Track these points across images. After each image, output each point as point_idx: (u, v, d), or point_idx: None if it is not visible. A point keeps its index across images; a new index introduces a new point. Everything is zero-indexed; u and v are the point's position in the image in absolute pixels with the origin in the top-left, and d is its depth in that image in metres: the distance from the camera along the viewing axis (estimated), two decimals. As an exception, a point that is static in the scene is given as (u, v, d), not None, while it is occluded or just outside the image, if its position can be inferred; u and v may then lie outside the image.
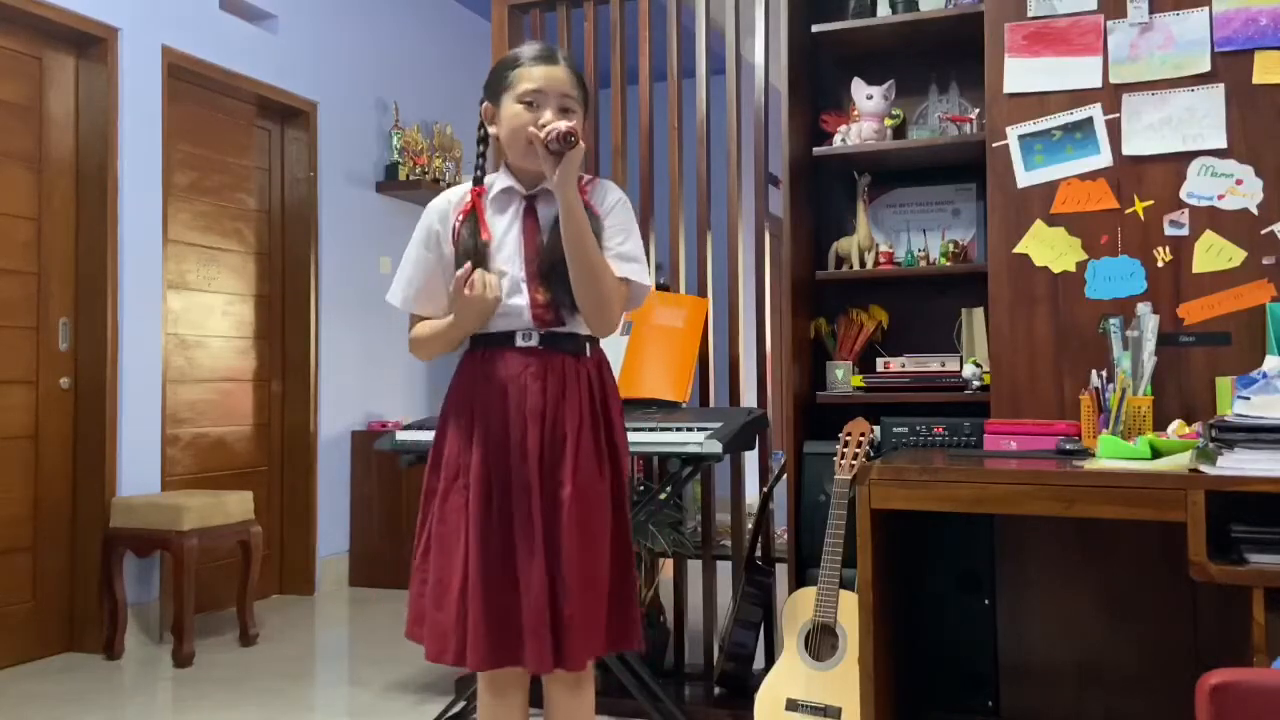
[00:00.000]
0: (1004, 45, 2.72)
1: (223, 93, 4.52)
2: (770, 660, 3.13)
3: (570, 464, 1.82)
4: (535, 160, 1.79)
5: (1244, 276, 2.51)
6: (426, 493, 1.94)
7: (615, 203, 1.92)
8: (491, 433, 1.85)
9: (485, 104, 1.93)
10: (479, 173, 1.93)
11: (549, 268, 1.84)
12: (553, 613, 1.78)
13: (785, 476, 3.00)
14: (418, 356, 1.98)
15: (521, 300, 1.85)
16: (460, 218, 1.90)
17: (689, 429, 2.71)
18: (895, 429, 2.79)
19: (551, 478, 1.82)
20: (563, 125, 1.73)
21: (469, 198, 1.92)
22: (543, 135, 1.75)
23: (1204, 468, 1.98)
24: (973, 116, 3.00)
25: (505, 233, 1.88)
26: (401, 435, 2.95)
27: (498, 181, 1.92)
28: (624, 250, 1.89)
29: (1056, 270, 2.66)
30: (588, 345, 1.92)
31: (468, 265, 1.80)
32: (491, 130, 1.92)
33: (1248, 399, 1.99)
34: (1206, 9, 2.55)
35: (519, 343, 1.86)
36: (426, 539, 1.91)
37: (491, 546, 1.82)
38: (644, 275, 1.92)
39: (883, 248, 3.12)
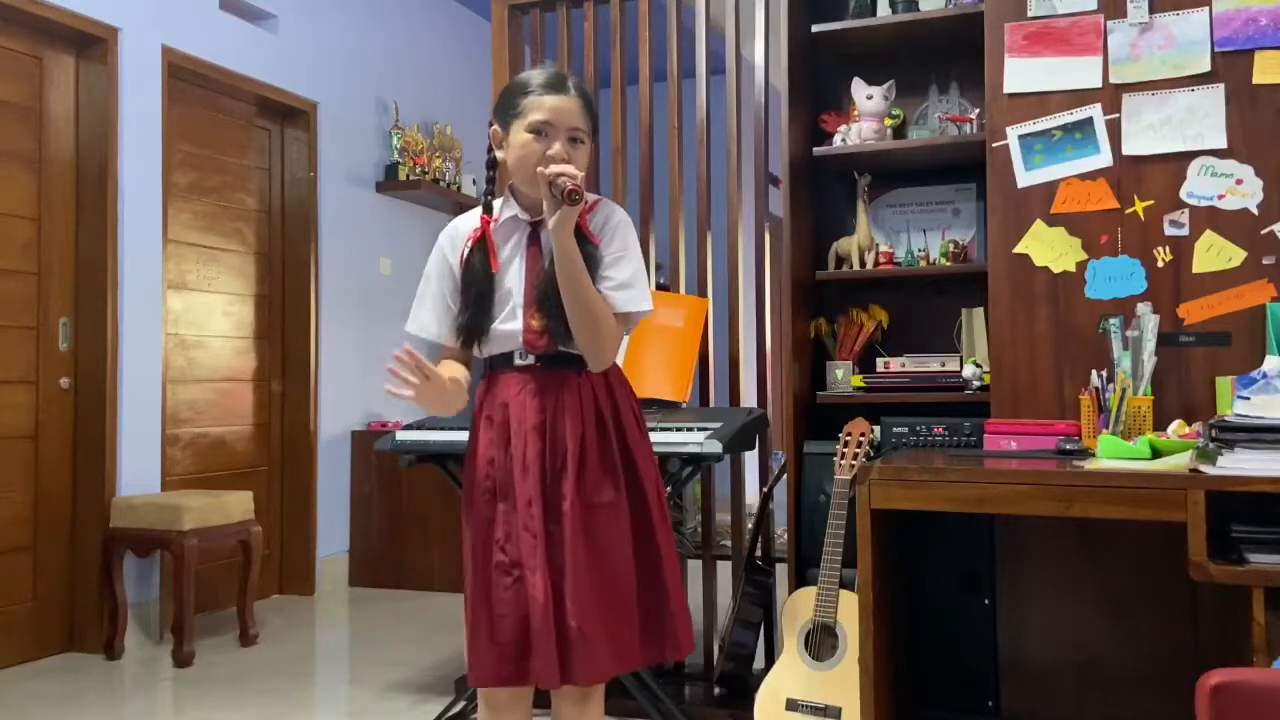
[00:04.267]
0: (1004, 45, 2.72)
1: (223, 93, 4.52)
2: (770, 660, 3.13)
3: (573, 478, 1.81)
4: (539, 190, 1.79)
5: (1244, 276, 2.51)
6: (464, 505, 1.93)
7: (616, 226, 1.91)
8: (497, 449, 1.86)
9: (494, 128, 1.91)
10: (488, 198, 1.93)
11: (548, 295, 1.84)
12: (560, 627, 1.78)
13: (785, 476, 3.00)
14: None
15: (516, 325, 1.86)
16: (470, 245, 1.90)
17: (689, 429, 2.71)
18: (895, 429, 2.79)
19: (554, 491, 1.82)
20: (569, 183, 1.72)
21: (479, 225, 1.91)
22: (548, 174, 1.74)
23: (1204, 468, 1.98)
24: (973, 116, 3.00)
25: (510, 259, 1.90)
26: (401, 435, 2.95)
27: (504, 209, 1.93)
28: (623, 278, 1.88)
29: (1056, 270, 2.66)
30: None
31: (407, 353, 1.76)
32: (499, 155, 1.91)
33: (1248, 399, 1.99)
34: (1206, 9, 2.55)
35: (517, 361, 1.88)
36: (470, 556, 1.90)
37: (497, 563, 1.82)
38: (643, 301, 1.90)
39: (883, 248, 3.12)
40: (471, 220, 1.95)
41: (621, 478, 1.87)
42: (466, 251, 1.90)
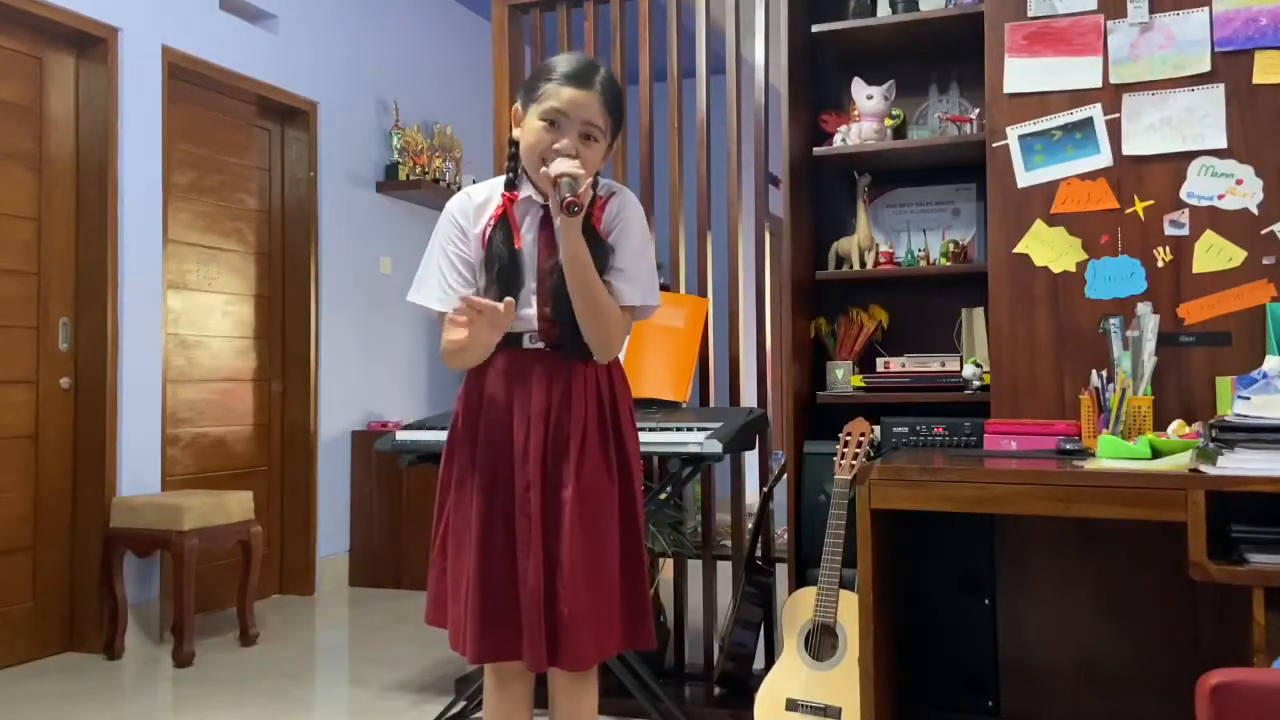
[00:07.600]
0: (1004, 45, 2.72)
1: (223, 93, 4.52)
2: (770, 660, 3.13)
3: (574, 465, 1.82)
4: (545, 182, 1.78)
5: (1244, 276, 2.51)
6: (442, 483, 1.94)
7: (630, 218, 1.90)
8: (497, 430, 1.86)
9: (515, 106, 1.90)
10: (511, 175, 1.90)
11: (559, 292, 1.83)
12: (551, 611, 1.80)
13: (785, 476, 3.00)
14: (451, 367, 1.91)
15: (531, 311, 1.86)
16: (492, 223, 1.88)
17: (689, 429, 2.70)
18: (895, 429, 2.79)
19: (554, 477, 1.83)
20: (568, 194, 1.69)
21: (500, 201, 1.89)
22: (553, 174, 1.73)
23: (1204, 468, 1.98)
24: (973, 116, 3.00)
25: (524, 238, 1.88)
26: (401, 435, 2.95)
27: (522, 186, 1.91)
28: (632, 272, 1.88)
29: (1056, 270, 2.66)
30: None
31: (509, 302, 1.73)
32: (516, 134, 1.90)
33: (1248, 399, 1.99)
34: (1206, 9, 2.55)
35: (526, 344, 1.88)
36: (444, 530, 1.92)
37: (493, 542, 1.84)
38: (650, 296, 1.90)
39: (883, 248, 3.12)
40: (486, 194, 1.92)
41: (615, 469, 1.88)
42: (489, 230, 1.88)
